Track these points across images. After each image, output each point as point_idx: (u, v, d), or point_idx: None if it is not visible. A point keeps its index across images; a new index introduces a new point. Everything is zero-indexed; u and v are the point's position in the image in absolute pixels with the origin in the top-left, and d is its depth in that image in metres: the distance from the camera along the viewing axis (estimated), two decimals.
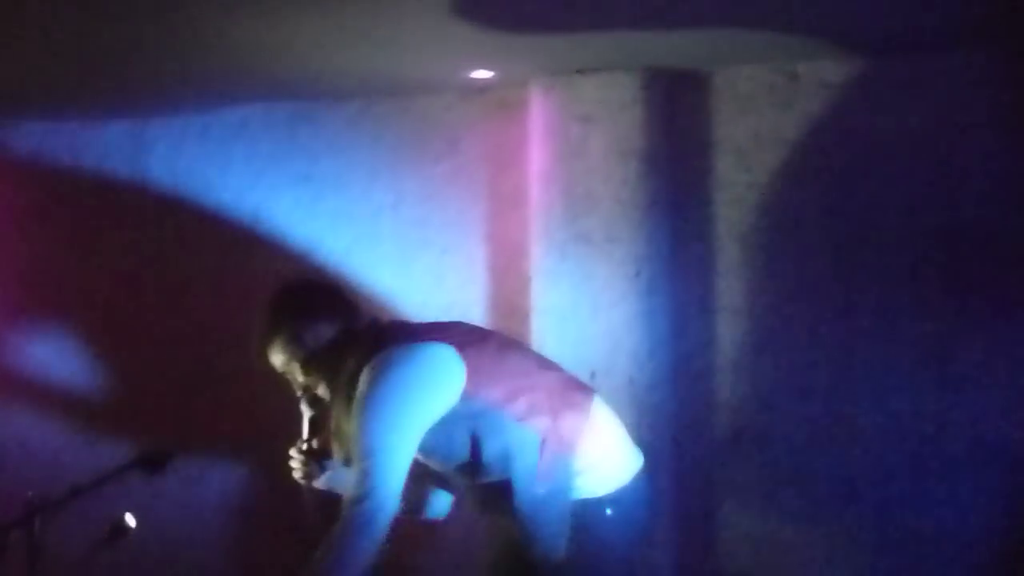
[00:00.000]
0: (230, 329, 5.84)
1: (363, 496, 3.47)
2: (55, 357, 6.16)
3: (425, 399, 3.59)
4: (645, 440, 4.89)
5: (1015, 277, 4.77)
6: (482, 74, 5.12)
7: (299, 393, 3.88)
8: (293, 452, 3.98)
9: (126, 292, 6.09)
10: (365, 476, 3.48)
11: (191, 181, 5.98)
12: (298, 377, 3.82)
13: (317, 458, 3.94)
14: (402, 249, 5.60)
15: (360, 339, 3.75)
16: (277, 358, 3.82)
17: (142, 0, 3.94)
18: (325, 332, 3.77)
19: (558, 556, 3.64)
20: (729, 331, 5.12)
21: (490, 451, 3.64)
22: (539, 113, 5.16)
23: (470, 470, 3.70)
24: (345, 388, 3.68)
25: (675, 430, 5.08)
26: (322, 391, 3.81)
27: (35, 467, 6.02)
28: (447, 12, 4.12)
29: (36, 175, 6.17)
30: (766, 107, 5.07)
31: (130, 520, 3.94)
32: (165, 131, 5.99)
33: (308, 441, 3.94)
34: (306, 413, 3.91)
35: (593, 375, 4.87)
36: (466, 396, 3.61)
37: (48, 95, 5.48)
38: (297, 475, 3.99)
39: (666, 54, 4.84)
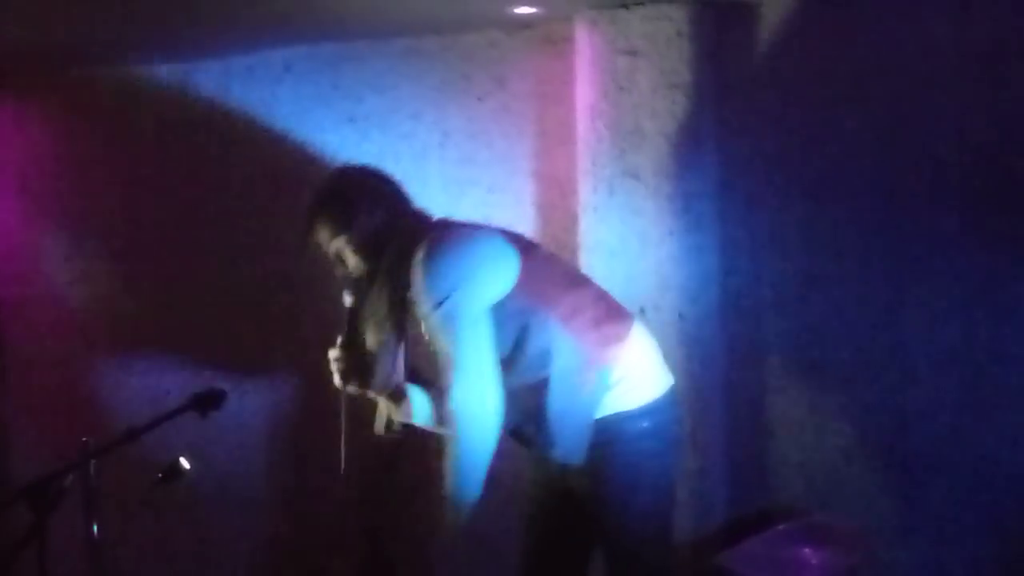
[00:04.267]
0: (280, 271, 5.89)
1: (461, 395, 3.59)
2: (106, 300, 6.20)
3: (486, 280, 3.64)
4: (696, 374, 4.93)
5: None
6: (526, 9, 5.08)
7: (342, 276, 3.87)
8: (332, 351, 3.93)
9: (173, 234, 6.11)
10: (456, 370, 3.58)
11: (237, 123, 5.98)
12: (345, 258, 3.81)
13: (356, 356, 3.88)
14: (449, 188, 5.59)
15: (409, 228, 3.77)
16: (325, 234, 3.82)
17: None
18: (377, 216, 3.77)
19: (577, 461, 3.70)
20: (779, 265, 5.10)
21: (532, 348, 3.68)
22: (585, 48, 5.12)
23: (508, 366, 3.69)
24: (390, 272, 3.69)
25: (725, 365, 5.07)
26: (361, 274, 3.82)
27: (88, 411, 6.08)
28: None
29: (85, 120, 6.19)
30: (813, 37, 5.01)
31: (184, 463, 3.98)
32: (210, 73, 5.99)
33: (348, 335, 3.88)
34: (347, 301, 3.88)
35: (642, 311, 4.87)
36: (516, 289, 3.65)
37: (94, 40, 5.48)
38: (335, 376, 3.94)
39: None
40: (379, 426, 3.97)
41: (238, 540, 5.96)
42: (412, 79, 5.65)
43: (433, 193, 5.58)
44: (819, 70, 5.02)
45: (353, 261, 3.80)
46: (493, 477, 3.65)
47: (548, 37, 5.37)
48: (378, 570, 5.13)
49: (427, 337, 3.71)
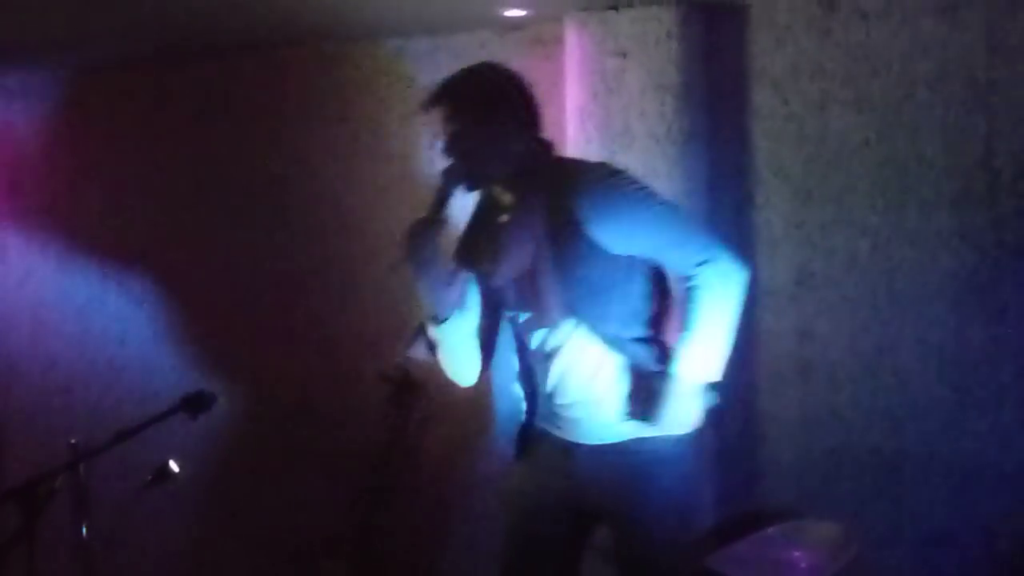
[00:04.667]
0: (272, 271, 5.90)
1: (716, 256, 3.50)
2: (98, 301, 6.21)
3: None
4: None
5: None
6: (516, 11, 5.08)
7: (447, 156, 3.60)
8: (413, 225, 3.60)
9: (164, 235, 6.13)
10: (704, 246, 3.49)
11: (232, 122, 5.99)
12: (471, 145, 3.54)
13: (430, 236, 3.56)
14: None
15: (548, 157, 3.64)
16: (469, 112, 3.56)
17: None
18: (520, 126, 3.60)
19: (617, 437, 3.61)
20: (769, 264, 5.10)
21: (636, 294, 3.57)
22: (574, 49, 5.12)
23: (610, 307, 3.54)
24: (554, 188, 3.51)
25: None
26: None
27: (78, 412, 6.10)
28: None
29: (76, 119, 6.22)
30: (803, 37, 5.02)
31: (174, 466, 3.98)
32: (204, 72, 6.01)
33: (434, 215, 3.56)
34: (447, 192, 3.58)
35: None
36: None
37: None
38: (402, 251, 3.64)
39: None
40: (412, 350, 3.76)
41: (229, 541, 5.98)
42: (402, 79, 5.65)
43: (423, 193, 5.57)
44: (808, 70, 5.02)
45: (478, 158, 3.54)
46: (489, 479, 3.63)
47: (538, 38, 5.36)
48: (372, 571, 5.13)
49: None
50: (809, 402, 5.05)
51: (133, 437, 3.84)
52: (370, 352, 5.62)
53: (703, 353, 3.53)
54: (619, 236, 3.45)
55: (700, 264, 3.48)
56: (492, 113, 3.56)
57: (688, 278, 3.49)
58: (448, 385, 3.80)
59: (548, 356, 3.59)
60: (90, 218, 6.27)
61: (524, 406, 3.70)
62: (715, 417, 4.97)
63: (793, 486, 5.07)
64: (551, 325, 3.53)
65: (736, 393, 5.09)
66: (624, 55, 4.99)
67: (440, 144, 3.58)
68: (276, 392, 5.89)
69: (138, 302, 6.19)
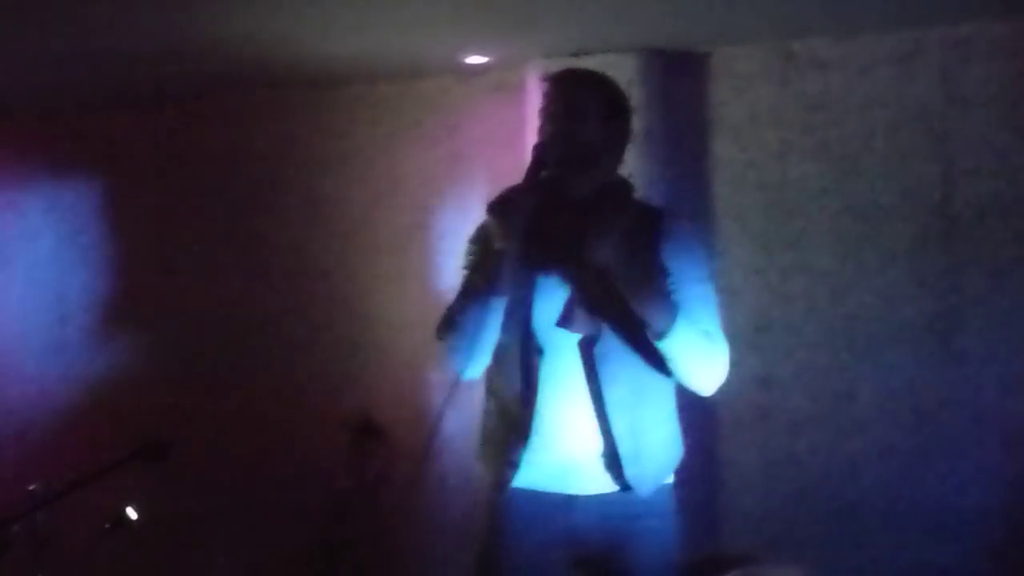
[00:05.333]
0: (230, 316, 5.88)
1: (717, 332, 3.37)
2: (54, 347, 6.18)
3: None
4: None
5: (1013, 253, 4.76)
6: (479, 58, 5.11)
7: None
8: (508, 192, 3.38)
9: (126, 281, 6.12)
10: (718, 332, 3.38)
11: (190, 165, 5.99)
12: (569, 133, 3.37)
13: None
14: (399, 233, 5.60)
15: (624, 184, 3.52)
16: (608, 107, 3.44)
17: None
18: (623, 150, 3.50)
19: (648, 491, 3.44)
20: (729, 311, 5.08)
21: None
22: (536, 95, 5.13)
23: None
24: (639, 219, 3.37)
25: (679, 410, 5.07)
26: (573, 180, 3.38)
27: (34, 459, 6.05)
28: None
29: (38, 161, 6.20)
30: (762, 86, 5.07)
31: (131, 513, 3.95)
32: (166, 114, 6.02)
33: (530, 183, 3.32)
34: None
35: None
36: None
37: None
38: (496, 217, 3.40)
39: (662, 35, 4.83)
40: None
41: None
42: (365, 125, 5.67)
43: (385, 238, 5.60)
44: (767, 119, 5.07)
45: (573, 158, 3.36)
46: (452, 525, 3.57)
47: (500, 84, 5.39)
48: None
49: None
50: (769, 448, 5.07)
51: (91, 484, 3.80)
52: (333, 400, 5.61)
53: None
54: (680, 277, 3.44)
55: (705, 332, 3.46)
56: (620, 124, 3.55)
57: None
58: (411, 431, 3.78)
59: (577, 383, 3.50)
60: (50, 263, 6.24)
61: (519, 449, 3.58)
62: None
63: (753, 531, 5.07)
64: (593, 339, 3.45)
65: (696, 439, 5.10)
66: None
67: (548, 122, 3.40)
68: (237, 439, 5.85)
69: (98, 348, 6.15)
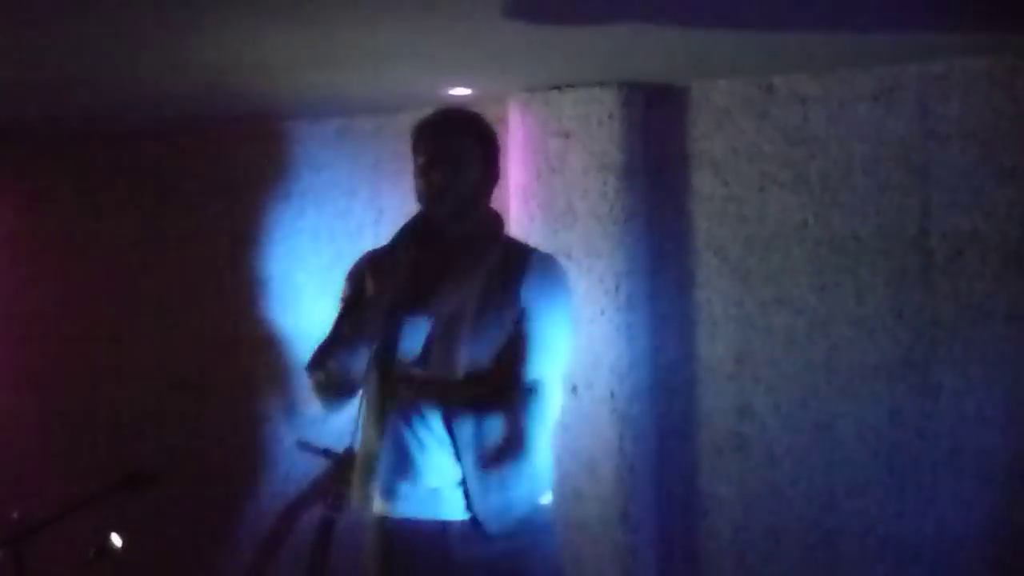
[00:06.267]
0: (214, 344, 5.89)
1: (540, 392, 3.47)
2: (37, 376, 6.18)
3: None
4: (627, 452, 4.96)
5: (990, 286, 4.80)
6: (460, 91, 5.14)
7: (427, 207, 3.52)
8: (376, 255, 3.60)
9: (104, 311, 6.12)
10: (543, 382, 3.48)
11: (175, 199, 6.01)
12: (452, 186, 3.47)
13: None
14: None
15: (497, 219, 3.66)
16: (474, 152, 3.54)
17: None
18: (494, 185, 3.63)
19: (499, 530, 3.54)
20: (708, 343, 5.16)
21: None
22: (518, 129, 5.18)
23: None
24: (506, 258, 3.53)
25: (656, 442, 5.11)
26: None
27: (14, 486, 6.03)
28: (423, 31, 4.14)
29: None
30: (742, 120, 5.11)
31: (116, 540, 3.94)
32: (152, 145, 6.04)
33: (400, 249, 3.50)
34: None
35: (575, 389, 4.91)
36: None
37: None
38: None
39: (642, 69, 4.87)
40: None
41: None
42: (347, 158, 5.70)
43: None
44: (747, 152, 5.11)
45: (452, 204, 3.49)
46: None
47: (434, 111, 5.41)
48: None
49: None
50: (747, 479, 5.10)
51: (76, 512, 3.81)
52: (317, 431, 5.61)
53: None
54: (532, 315, 3.51)
55: (532, 381, 3.51)
56: (495, 162, 3.61)
57: (515, 382, 3.51)
58: None
59: (431, 419, 3.57)
60: (34, 288, 6.25)
61: (384, 477, 3.63)
62: (656, 494, 5.08)
63: (732, 562, 5.09)
64: (449, 377, 3.51)
65: (677, 470, 5.14)
66: (567, 135, 5.06)
67: (427, 175, 3.52)
68: (218, 469, 5.86)
69: (77, 374, 6.15)
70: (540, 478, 3.64)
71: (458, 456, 3.52)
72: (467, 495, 3.54)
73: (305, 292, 5.77)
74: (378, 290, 3.50)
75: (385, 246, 3.60)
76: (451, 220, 3.52)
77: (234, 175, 5.92)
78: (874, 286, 4.92)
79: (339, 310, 3.63)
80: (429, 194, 3.51)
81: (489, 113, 5.31)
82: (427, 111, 5.41)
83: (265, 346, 5.86)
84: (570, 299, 3.64)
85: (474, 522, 3.54)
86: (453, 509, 3.56)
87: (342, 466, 4.89)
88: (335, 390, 3.54)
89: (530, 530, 3.58)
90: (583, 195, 5.04)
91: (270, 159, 5.84)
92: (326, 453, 4.95)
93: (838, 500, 4.99)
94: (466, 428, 3.50)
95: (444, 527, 3.56)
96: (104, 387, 6.14)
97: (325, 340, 3.57)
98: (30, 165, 6.29)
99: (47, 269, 6.27)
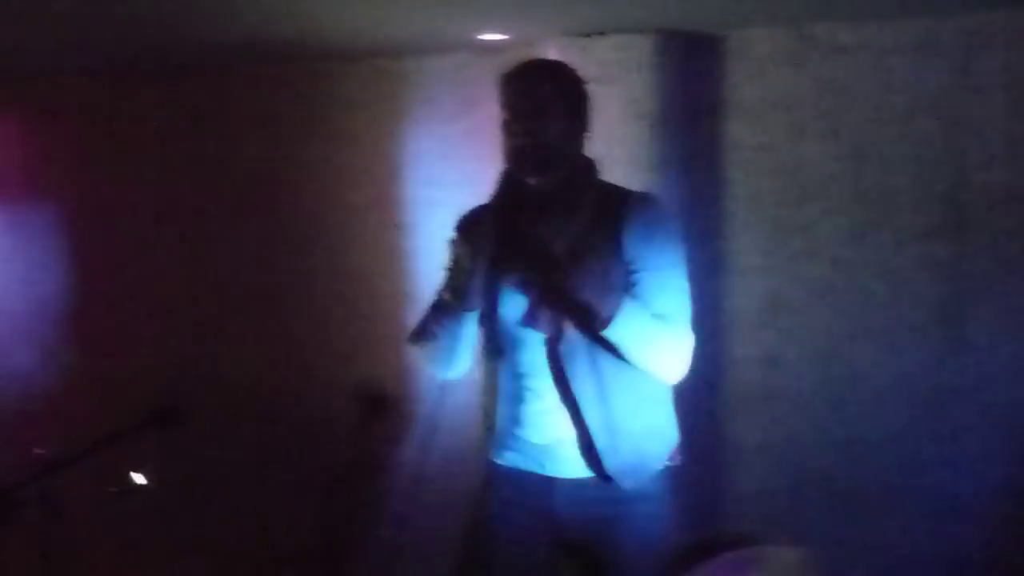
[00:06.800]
0: (247, 284, 5.93)
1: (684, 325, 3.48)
2: (67, 310, 6.23)
3: None
4: None
5: (1022, 241, 4.77)
6: (493, 36, 5.12)
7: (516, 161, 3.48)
8: (476, 212, 3.57)
9: (140, 245, 6.16)
10: (686, 315, 3.51)
11: (208, 135, 6.03)
12: (558, 133, 3.47)
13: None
14: (417, 208, 5.63)
15: (589, 165, 3.61)
16: (567, 99, 3.52)
17: None
18: (580, 130, 3.59)
19: (633, 484, 3.55)
20: (740, 292, 5.15)
21: None
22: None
23: None
24: (602, 201, 3.49)
25: (684, 390, 5.10)
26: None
27: (40, 420, 6.10)
28: None
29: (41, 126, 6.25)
30: (779, 69, 5.07)
31: (139, 477, 3.98)
32: (188, 85, 6.05)
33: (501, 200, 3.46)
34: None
35: None
36: None
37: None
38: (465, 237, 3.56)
39: (680, 16, 4.84)
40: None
41: (196, 552, 5.99)
42: (383, 99, 5.69)
43: (402, 213, 5.63)
44: (783, 102, 5.08)
45: (541, 162, 3.46)
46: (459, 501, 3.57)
47: (517, 63, 5.39)
48: None
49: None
50: (774, 429, 5.10)
51: (102, 449, 3.84)
52: (343, 365, 5.66)
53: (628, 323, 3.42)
54: (643, 263, 3.46)
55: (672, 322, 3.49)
56: (583, 109, 3.57)
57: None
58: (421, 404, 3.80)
59: (541, 378, 3.55)
60: (68, 219, 6.29)
61: (496, 431, 3.63)
62: (681, 441, 5.09)
63: (755, 512, 5.11)
64: (556, 338, 3.49)
65: (702, 418, 5.14)
66: (602, 81, 5.02)
67: (520, 122, 3.51)
68: (247, 404, 5.91)
69: (109, 309, 6.20)
70: (667, 431, 3.62)
71: (578, 413, 3.50)
72: (590, 452, 3.51)
73: (338, 234, 5.79)
74: (474, 255, 3.48)
75: (479, 207, 3.58)
76: (539, 173, 3.49)
77: (269, 114, 5.92)
78: (906, 239, 4.90)
79: (444, 278, 3.62)
80: (513, 151, 3.49)
81: (524, 58, 5.34)
82: (464, 54, 5.45)
83: (298, 282, 5.88)
84: (678, 237, 3.56)
85: (602, 478, 3.52)
86: (562, 467, 3.55)
87: (373, 409, 4.97)
88: (444, 355, 3.55)
89: (639, 496, 3.54)
90: (618, 142, 5.02)
91: (306, 98, 5.84)
92: (376, 399, 5.01)
93: (865, 451, 4.99)
94: (588, 385, 3.47)
95: (550, 483, 3.57)
96: (133, 322, 6.18)
97: (428, 309, 3.59)
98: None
99: (74, 195, 6.30)
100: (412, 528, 5.32)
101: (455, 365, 3.56)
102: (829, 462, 5.03)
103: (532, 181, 3.48)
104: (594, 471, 3.52)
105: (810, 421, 5.06)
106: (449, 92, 5.56)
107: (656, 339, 3.43)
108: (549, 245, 3.44)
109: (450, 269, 3.61)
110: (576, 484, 3.54)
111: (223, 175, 6.03)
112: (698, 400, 5.14)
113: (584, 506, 3.54)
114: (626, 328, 3.37)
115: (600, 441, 3.48)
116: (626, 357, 3.42)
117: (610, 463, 3.49)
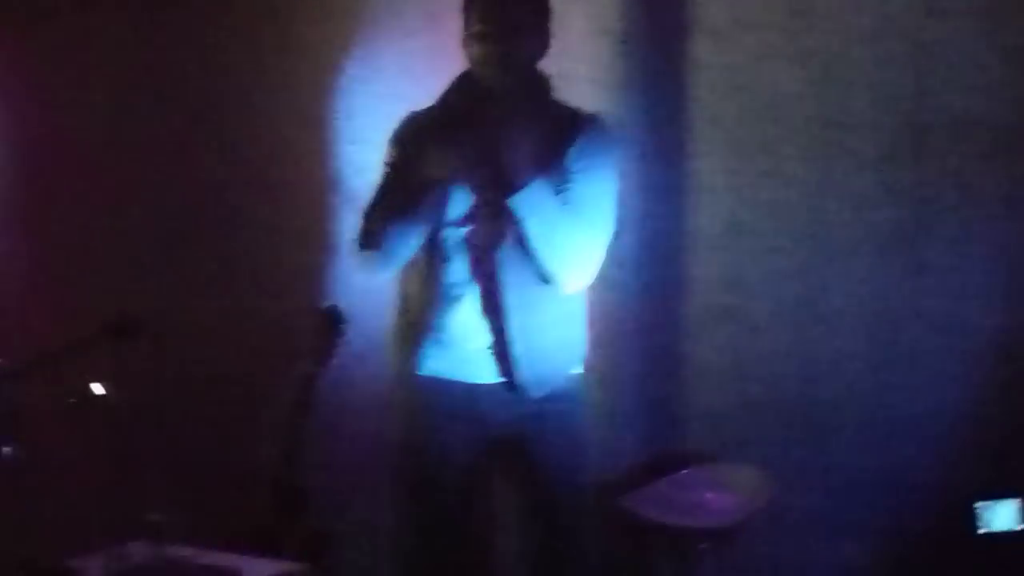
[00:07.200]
0: (202, 192, 5.89)
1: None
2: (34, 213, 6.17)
3: None
4: (610, 316, 4.98)
5: (985, 166, 4.79)
6: None
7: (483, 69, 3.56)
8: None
9: (102, 151, 6.08)
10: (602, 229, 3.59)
11: (163, 48, 5.95)
12: (511, 55, 3.55)
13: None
14: (378, 123, 5.52)
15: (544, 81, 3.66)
16: (522, 22, 3.59)
17: None
18: (544, 47, 3.66)
19: (539, 392, 3.66)
20: (699, 212, 5.15)
21: None
22: None
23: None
24: (558, 115, 3.57)
25: (640, 308, 5.13)
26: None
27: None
28: None
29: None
30: None
31: (98, 388, 3.97)
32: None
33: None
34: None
35: None
36: None
37: None
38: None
39: None
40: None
41: (158, 466, 5.98)
42: (341, 13, 5.64)
43: (361, 128, 5.59)
44: (750, 21, 5.05)
45: (515, 54, 3.56)
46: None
47: None
48: (292, 502, 5.14)
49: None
50: (733, 349, 5.12)
51: (59, 360, 3.83)
52: (298, 281, 5.65)
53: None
54: (576, 177, 3.49)
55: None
56: (548, 24, 3.59)
57: None
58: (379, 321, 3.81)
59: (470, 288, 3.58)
60: (21, 130, 6.20)
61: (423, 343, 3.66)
62: (638, 360, 5.12)
63: (714, 430, 5.14)
64: (496, 245, 3.52)
65: (660, 337, 5.17)
66: None
67: (483, 43, 3.49)
68: (209, 323, 5.88)
69: (68, 213, 6.13)
70: (576, 346, 3.68)
71: (499, 322, 3.54)
72: (504, 359, 3.57)
73: (302, 148, 5.75)
74: (428, 159, 3.49)
75: (430, 109, 3.58)
76: (504, 75, 3.50)
77: (227, 25, 5.84)
78: (866, 162, 4.90)
79: (385, 176, 3.61)
80: (486, 61, 3.49)
81: None
82: None
83: (255, 200, 5.85)
84: (615, 163, 3.60)
85: (510, 385, 3.59)
86: (483, 373, 3.61)
87: (326, 322, 4.96)
88: (385, 261, 3.58)
89: (560, 396, 3.64)
90: (580, 59, 5.00)
91: (265, 9, 5.78)
92: (330, 312, 4.99)
93: (821, 373, 5.02)
94: (513, 295, 3.51)
95: (472, 389, 3.62)
96: (97, 229, 6.11)
97: (376, 211, 3.59)
98: None
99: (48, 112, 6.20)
100: (346, 442, 5.38)
101: (388, 268, 3.61)
102: (786, 383, 5.05)
103: (493, 84, 3.49)
104: (505, 378, 3.60)
105: (767, 342, 5.08)
106: (412, 5, 5.50)
107: (561, 229, 3.48)
108: (498, 152, 3.46)
109: (395, 169, 3.62)
110: (497, 388, 3.61)
111: (186, 93, 5.95)
112: (656, 317, 5.17)
113: (506, 407, 3.61)
114: (533, 203, 3.41)
115: (515, 349, 3.56)
116: (530, 239, 3.46)
117: (523, 372, 3.58)
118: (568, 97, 4.90)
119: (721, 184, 5.11)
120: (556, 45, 4.89)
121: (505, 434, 3.71)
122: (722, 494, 4.49)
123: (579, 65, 4.99)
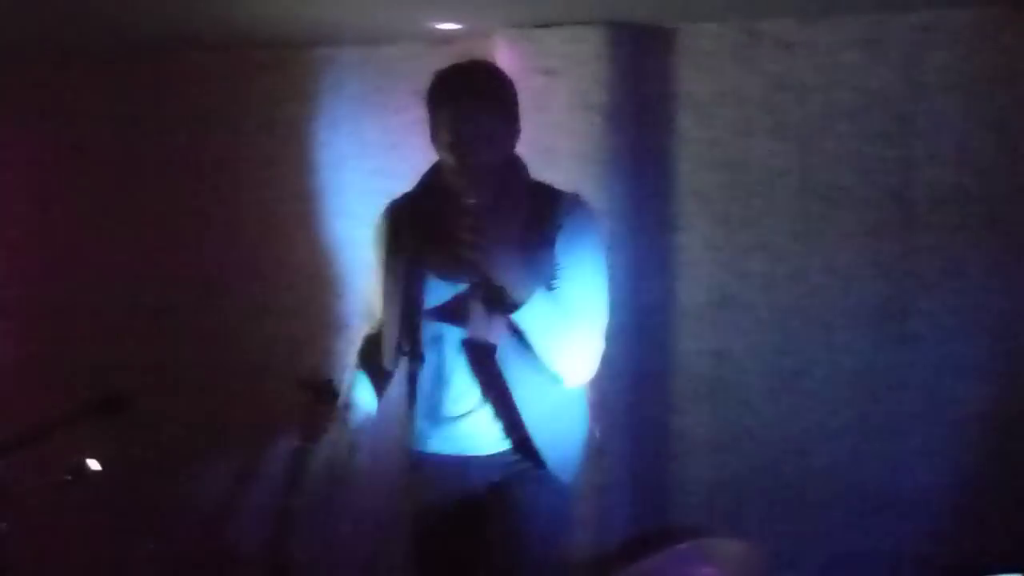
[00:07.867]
0: (193, 276, 5.88)
1: (594, 340, 3.48)
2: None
3: None
4: (603, 391, 4.96)
5: (968, 238, 4.83)
6: (448, 25, 5.11)
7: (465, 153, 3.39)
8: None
9: (82, 236, 6.09)
10: (599, 320, 3.49)
11: (148, 124, 5.97)
12: (484, 155, 3.40)
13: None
14: (364, 198, 5.59)
15: (520, 164, 3.58)
16: (504, 110, 3.46)
17: None
18: (515, 136, 3.55)
19: (570, 476, 3.60)
20: (687, 287, 5.17)
21: None
22: (503, 65, 5.12)
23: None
24: (538, 204, 3.47)
25: (632, 383, 5.12)
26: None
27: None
28: None
29: None
30: (728, 64, 5.09)
31: (93, 464, 3.94)
32: (128, 77, 5.99)
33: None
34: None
35: None
36: None
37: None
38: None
39: (630, 9, 4.85)
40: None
41: (142, 542, 5.93)
42: (330, 89, 5.67)
43: (348, 203, 5.61)
44: (733, 96, 5.10)
45: (487, 160, 3.41)
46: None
47: (467, 53, 5.35)
48: None
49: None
50: (721, 423, 5.13)
51: (49, 436, 3.80)
52: (288, 357, 5.63)
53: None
54: (566, 265, 3.47)
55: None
56: (517, 115, 3.55)
57: None
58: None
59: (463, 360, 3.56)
60: (7, 206, 6.20)
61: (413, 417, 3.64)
62: (630, 435, 5.11)
63: (704, 504, 5.13)
64: (494, 347, 3.50)
65: (651, 411, 5.16)
66: (552, 73, 5.03)
67: (456, 148, 3.45)
68: (191, 397, 5.86)
69: (51, 301, 6.12)
70: (584, 420, 3.66)
71: (515, 419, 3.51)
72: (531, 455, 3.54)
73: (285, 223, 5.75)
74: (403, 253, 3.47)
75: (407, 198, 3.57)
76: (480, 186, 3.45)
77: (213, 102, 5.87)
78: (853, 235, 4.94)
79: (378, 278, 3.59)
80: (459, 172, 3.43)
81: (475, 49, 5.34)
82: (413, 45, 5.41)
83: (243, 277, 5.84)
84: (602, 243, 3.57)
85: (543, 475, 3.56)
86: (478, 444, 3.59)
87: (320, 397, 4.93)
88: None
89: (538, 466, 3.59)
90: (567, 134, 5.02)
91: (251, 87, 5.80)
92: (322, 388, 4.96)
93: (810, 446, 5.03)
94: (525, 391, 3.48)
95: (467, 461, 3.61)
96: (84, 309, 6.11)
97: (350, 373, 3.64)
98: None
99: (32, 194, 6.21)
100: (346, 519, 5.34)
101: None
102: (774, 455, 5.06)
103: (467, 187, 3.46)
104: (536, 466, 3.56)
105: (755, 415, 5.09)
106: (399, 82, 5.53)
107: (563, 333, 3.46)
108: (478, 241, 3.42)
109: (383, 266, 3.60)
110: (489, 461, 3.59)
111: (169, 165, 5.96)
112: (646, 392, 5.17)
113: (495, 476, 3.59)
114: (534, 315, 3.39)
115: (539, 439, 3.53)
116: (532, 346, 3.44)
117: (551, 458, 3.54)
118: (552, 172, 4.96)
119: (707, 258, 5.14)
120: (539, 119, 4.98)
121: (491, 498, 3.68)
122: (716, 569, 4.46)
123: (563, 140, 5.01)
